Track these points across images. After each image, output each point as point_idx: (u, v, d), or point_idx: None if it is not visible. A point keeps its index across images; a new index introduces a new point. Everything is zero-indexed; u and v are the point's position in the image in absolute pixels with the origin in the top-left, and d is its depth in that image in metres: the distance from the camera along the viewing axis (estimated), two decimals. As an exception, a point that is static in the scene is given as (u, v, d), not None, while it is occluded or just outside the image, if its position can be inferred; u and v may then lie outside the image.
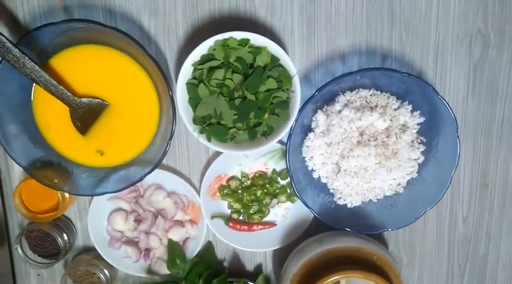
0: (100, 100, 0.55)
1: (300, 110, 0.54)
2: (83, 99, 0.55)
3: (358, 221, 0.59)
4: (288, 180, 0.62)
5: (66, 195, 0.60)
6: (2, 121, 0.53)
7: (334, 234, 0.59)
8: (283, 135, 0.55)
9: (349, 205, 0.60)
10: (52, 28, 0.50)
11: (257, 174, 0.62)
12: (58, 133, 0.57)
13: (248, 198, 0.62)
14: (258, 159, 0.62)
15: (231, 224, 0.63)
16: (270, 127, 0.56)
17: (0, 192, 0.62)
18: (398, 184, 0.59)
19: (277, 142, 0.59)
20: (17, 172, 0.62)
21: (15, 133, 0.54)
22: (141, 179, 0.55)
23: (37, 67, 0.51)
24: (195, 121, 0.55)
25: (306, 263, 0.56)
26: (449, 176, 0.56)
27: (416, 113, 0.57)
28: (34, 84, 0.55)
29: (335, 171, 0.59)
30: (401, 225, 0.58)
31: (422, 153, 0.58)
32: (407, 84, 0.56)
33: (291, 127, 0.54)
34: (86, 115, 0.55)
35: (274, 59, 0.53)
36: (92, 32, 0.53)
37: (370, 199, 0.60)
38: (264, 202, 0.62)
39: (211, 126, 0.54)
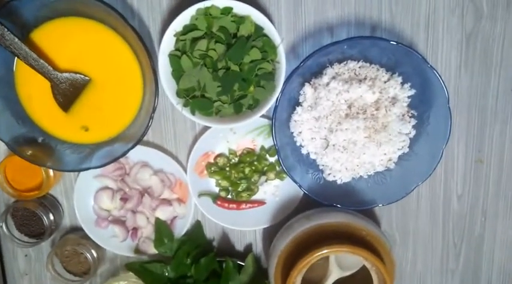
0: (82, 76, 0.54)
1: (286, 81, 0.53)
2: (65, 74, 0.54)
3: (348, 198, 0.58)
4: (277, 157, 0.61)
5: (51, 173, 0.59)
6: (-18, 95, 0.52)
7: (323, 210, 0.57)
8: (268, 107, 0.53)
9: (338, 182, 0.59)
10: (32, -1, 0.50)
11: (245, 151, 0.61)
12: (41, 109, 0.56)
13: (236, 176, 0.61)
14: (245, 136, 0.61)
15: (219, 202, 0.61)
16: (256, 100, 0.54)
17: (-15, 170, 0.61)
18: (389, 160, 0.58)
19: (265, 117, 0.58)
20: (1, 149, 0.61)
21: (-3, 108, 0.54)
22: (123, 154, 0.54)
23: (16, 39, 0.50)
24: (179, 94, 0.54)
25: (294, 240, 0.55)
26: (441, 150, 0.54)
27: (407, 85, 0.55)
28: (16, 58, 0.54)
29: (324, 146, 0.57)
30: (392, 200, 0.56)
31: (413, 127, 0.57)
32: (397, 56, 0.54)
33: (277, 100, 0.53)
34: (68, 90, 0.54)
35: (258, 29, 0.52)
36: (74, 4, 0.52)
37: (361, 176, 0.59)
38: (252, 179, 0.61)
39: (195, 99, 0.53)
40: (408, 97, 0.56)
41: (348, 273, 0.55)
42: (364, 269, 0.55)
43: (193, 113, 0.54)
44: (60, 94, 0.54)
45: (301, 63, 0.53)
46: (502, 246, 0.64)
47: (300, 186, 0.56)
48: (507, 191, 0.62)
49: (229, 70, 0.51)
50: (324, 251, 0.51)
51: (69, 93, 0.55)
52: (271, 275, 0.56)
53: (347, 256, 0.55)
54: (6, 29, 0.50)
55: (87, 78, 0.54)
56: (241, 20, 0.51)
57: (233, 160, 0.61)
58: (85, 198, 0.62)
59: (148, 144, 0.61)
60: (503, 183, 0.62)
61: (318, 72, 0.57)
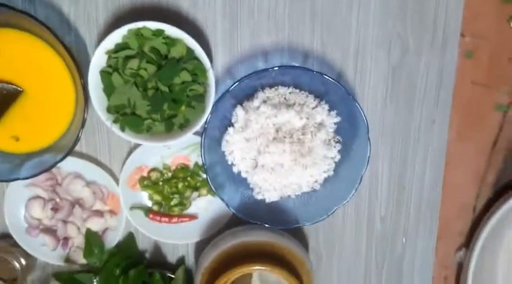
0: (14, 86, 0.54)
1: (217, 102, 0.55)
2: (-4, 84, 0.54)
3: (276, 217, 0.60)
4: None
5: (-20, 180, 0.59)
6: None
7: (249, 228, 0.60)
8: (198, 127, 0.55)
9: (267, 200, 0.61)
10: (-40, 8, 0.49)
11: (179, 167, 0.62)
12: (-30, 117, 0.56)
13: (169, 190, 0.62)
14: (180, 152, 0.62)
15: (151, 216, 0.63)
16: (187, 119, 0.56)
17: None
18: (316, 181, 0.61)
19: (200, 135, 0.60)
20: None
21: None
22: (53, 166, 0.54)
23: None
24: (109, 110, 0.55)
25: (218, 257, 0.57)
26: (360, 176, 0.57)
27: (333, 112, 0.58)
28: None
29: (253, 165, 0.59)
30: (314, 221, 0.59)
31: (339, 151, 0.59)
32: (325, 85, 0.57)
33: (206, 121, 0.55)
34: (-1, 100, 0.54)
35: (190, 51, 0.53)
36: (7, 16, 0.52)
37: (289, 195, 0.61)
38: (185, 194, 0.62)
39: (125, 116, 0.54)
40: (335, 123, 0.59)
41: (269, 290, 0.58)
42: (285, 287, 0.57)
43: (122, 130, 0.55)
44: (-9, 103, 0.54)
45: (231, 86, 0.54)
46: (421, 268, 0.68)
47: (227, 205, 0.58)
48: (426, 215, 0.66)
49: (159, 90, 0.53)
50: (244, 269, 0.54)
51: (0, 103, 0.55)
52: (195, 291, 0.58)
53: (269, 274, 0.57)
54: None
55: (19, 89, 0.55)
56: (172, 42, 0.53)
57: (166, 175, 0.62)
58: (16, 206, 0.62)
59: (82, 156, 0.61)
60: (423, 209, 0.66)
61: (251, 95, 0.59)
